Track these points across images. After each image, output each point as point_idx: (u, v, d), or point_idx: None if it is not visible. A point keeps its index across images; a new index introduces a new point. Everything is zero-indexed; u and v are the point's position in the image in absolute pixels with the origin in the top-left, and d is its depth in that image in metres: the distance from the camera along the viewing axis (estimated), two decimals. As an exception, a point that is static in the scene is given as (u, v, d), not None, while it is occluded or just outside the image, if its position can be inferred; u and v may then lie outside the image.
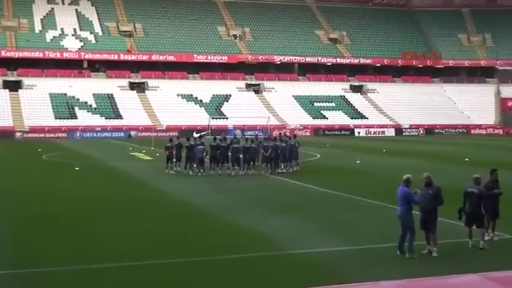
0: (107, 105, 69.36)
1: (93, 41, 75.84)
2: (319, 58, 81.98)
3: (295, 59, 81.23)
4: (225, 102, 73.44)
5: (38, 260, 11.94)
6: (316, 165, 32.19)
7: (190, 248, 12.89)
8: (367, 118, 74.70)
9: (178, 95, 73.19)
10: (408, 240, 11.98)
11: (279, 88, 78.13)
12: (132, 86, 74.25)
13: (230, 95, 74.76)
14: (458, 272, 9.31)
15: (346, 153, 40.12)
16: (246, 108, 70.78)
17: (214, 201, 19.21)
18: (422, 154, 38.90)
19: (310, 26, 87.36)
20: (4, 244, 13.32)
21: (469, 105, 79.62)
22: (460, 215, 12.85)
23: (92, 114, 67.30)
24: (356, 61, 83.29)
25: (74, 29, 76.52)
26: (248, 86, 78.00)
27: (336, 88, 79.54)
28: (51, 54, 72.16)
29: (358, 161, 33.17)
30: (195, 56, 77.11)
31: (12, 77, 70.58)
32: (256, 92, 77.35)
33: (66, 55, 72.83)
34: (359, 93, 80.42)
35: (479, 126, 75.71)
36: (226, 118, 69.01)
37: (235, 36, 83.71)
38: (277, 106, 74.00)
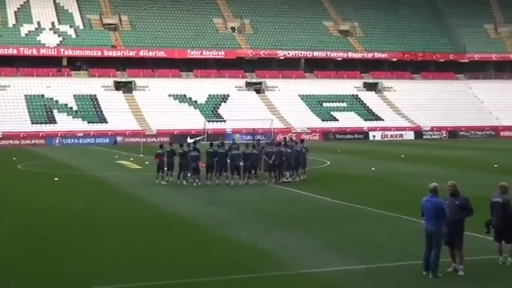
0: (90, 108, 69.36)
1: (74, 36, 75.96)
2: (328, 53, 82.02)
3: (301, 54, 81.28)
4: (223, 103, 73.42)
5: (8, 284, 11.85)
6: (325, 173, 32.12)
7: (179, 266, 12.81)
8: (383, 120, 74.63)
9: (169, 95, 73.19)
10: (434, 258, 11.86)
11: (283, 87, 78.11)
12: (118, 86, 74.26)
13: (228, 95, 74.76)
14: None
15: (359, 160, 40.04)
16: (246, 110, 70.72)
17: (210, 214, 19.17)
18: (446, 160, 38.82)
19: (318, 17, 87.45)
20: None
21: (497, 104, 79.53)
22: (487, 228, 12.79)
23: (73, 118, 67.31)
24: (370, 56, 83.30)
25: (52, 23, 76.67)
26: (248, 85, 78.00)
27: (347, 86, 79.51)
28: (27, 51, 72.29)
29: (373, 168, 33.17)
30: (188, 51, 77.21)
31: (-18, 76, 70.76)
32: (258, 91, 77.32)
33: (43, 52, 72.96)
34: (373, 92, 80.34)
35: (509, 128, 75.59)
36: (224, 121, 68.95)
37: (233, 28, 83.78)
38: (281, 107, 73.96)
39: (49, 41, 74.12)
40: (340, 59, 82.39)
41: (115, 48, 75.91)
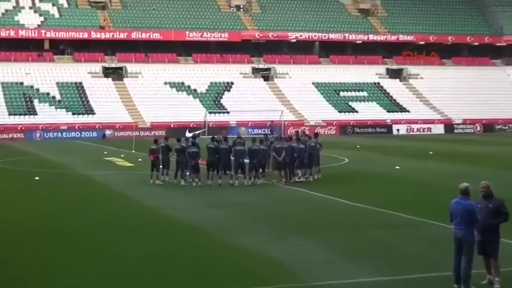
0: (75, 98, 69.50)
1: (57, 15, 76.07)
2: (346, 35, 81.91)
3: (315, 36, 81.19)
4: (226, 93, 73.43)
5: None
6: (343, 172, 32.12)
7: (178, 277, 12.86)
8: (408, 111, 74.52)
9: (165, 83, 73.24)
10: (465, 268, 11.88)
11: (295, 73, 78.07)
12: (107, 73, 74.36)
13: (232, 83, 74.77)
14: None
15: (381, 157, 40.01)
16: (253, 100, 70.70)
17: (212, 219, 19.21)
18: (479, 157, 38.74)
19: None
20: None
21: (539, 93, 79.37)
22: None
23: (56, 108, 67.44)
24: (393, 38, 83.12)
25: (32, 1, 76.77)
26: (255, 71, 77.97)
27: (368, 73, 79.41)
28: (3, 33, 72.45)
29: (397, 167, 33.12)
30: (187, 33, 77.20)
31: (-47, 61, 71.01)
32: (266, 78, 77.30)
33: (22, 33, 73.14)
34: (398, 80, 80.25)
35: (553, 121, 75.40)
36: (228, 112, 68.98)
37: (238, 7, 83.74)
38: (292, 97, 73.94)
39: (29, 21, 74.23)
40: (360, 42, 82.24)
41: (103, 29, 75.97)
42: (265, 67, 78.57)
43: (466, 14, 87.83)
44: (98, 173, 31.97)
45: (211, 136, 30.54)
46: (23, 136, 62.60)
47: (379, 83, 78.78)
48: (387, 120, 72.17)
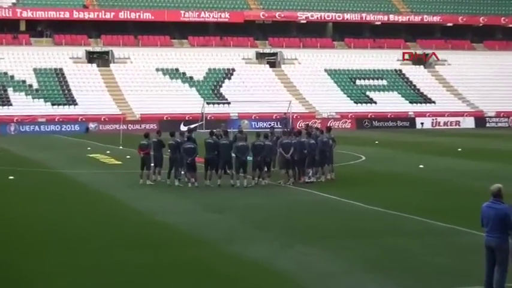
0: (55, 86, 69.58)
1: (34, -8, 76.12)
2: (364, 15, 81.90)
3: (328, 17, 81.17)
4: (226, 81, 73.44)
5: None
6: (359, 171, 32.13)
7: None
8: (434, 102, 74.51)
9: (157, 69, 73.28)
10: (498, 280, 11.88)
11: (305, 59, 78.06)
12: (91, 58, 74.40)
13: (233, 70, 74.78)
14: None
15: (403, 154, 40.04)
16: (257, 89, 70.71)
17: (211, 225, 19.17)
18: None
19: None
20: None
21: None
22: None
23: (33, 98, 67.53)
24: (417, 19, 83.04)
25: (6, -25, 76.87)
26: (260, 57, 77.94)
27: (388, 59, 79.39)
28: (-26, 12, 72.57)
29: (420, 166, 33.12)
30: (182, 13, 77.20)
31: None
32: (272, 64, 77.26)
33: (-6, 13, 73.21)
34: (422, 66, 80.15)
35: None
36: (228, 103, 68.95)
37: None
38: (302, 85, 73.93)
39: (2, -1, 74.39)
40: (379, 23, 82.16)
41: (87, 8, 75.97)
42: (271, 52, 78.51)
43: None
44: (80, 172, 31.92)
45: (209, 130, 30.48)
46: (-5, 130, 62.68)
47: (400, 70, 78.71)
48: (410, 113, 72.12)
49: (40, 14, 74.40)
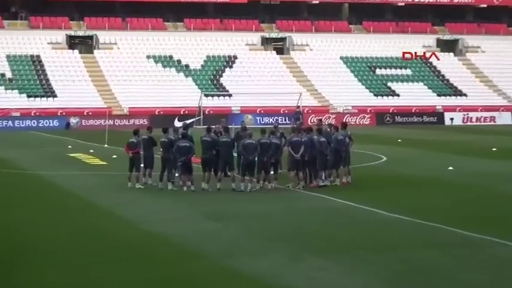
0: (31, 75, 69.78)
1: (8, -31, 76.26)
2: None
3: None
4: (227, 69, 73.61)
5: None
6: (380, 173, 32.22)
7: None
8: (465, 95, 74.68)
9: (148, 57, 73.46)
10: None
11: (318, 45, 78.25)
12: (72, 43, 74.57)
13: (235, 57, 74.91)
14: None
15: (429, 154, 40.17)
16: (262, 79, 70.86)
17: (210, 235, 19.16)
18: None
19: None
20: None
21: None
22: None
23: (6, 89, 67.77)
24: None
25: (-24, -51, 77.01)
26: (265, 42, 78.07)
27: (412, 45, 79.47)
28: None
29: (450, 168, 33.27)
30: (176, -8, 77.40)
31: None
32: (279, 51, 77.38)
33: (-37, -8, 73.38)
34: (452, 54, 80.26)
35: None
36: (229, 95, 69.05)
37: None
38: (314, 75, 74.10)
39: (-28, -24, 74.51)
40: (403, 4, 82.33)
41: (69, -14, 76.09)
42: (279, 36, 78.72)
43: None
44: (59, 174, 32.05)
45: (207, 126, 30.37)
46: (-37, 125, 62.79)
47: (427, 58, 78.64)
48: (437, 107, 72.37)
49: (15, -7, 74.64)
